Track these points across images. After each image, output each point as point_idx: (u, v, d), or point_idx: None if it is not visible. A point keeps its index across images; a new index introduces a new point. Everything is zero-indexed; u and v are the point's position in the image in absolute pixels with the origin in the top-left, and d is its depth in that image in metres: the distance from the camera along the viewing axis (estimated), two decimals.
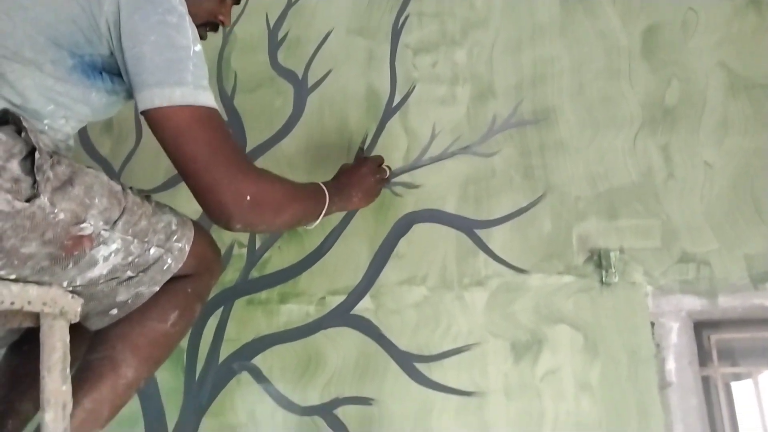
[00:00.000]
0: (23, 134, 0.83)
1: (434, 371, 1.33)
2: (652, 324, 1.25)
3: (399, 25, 1.59)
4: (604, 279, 1.28)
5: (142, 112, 0.89)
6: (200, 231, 1.06)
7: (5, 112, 0.85)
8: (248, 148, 1.62)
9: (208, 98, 0.91)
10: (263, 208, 0.95)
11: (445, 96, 1.51)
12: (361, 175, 1.31)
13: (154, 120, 0.89)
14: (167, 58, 0.88)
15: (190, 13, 0.94)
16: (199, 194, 0.91)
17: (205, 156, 0.89)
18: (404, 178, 1.48)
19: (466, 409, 1.29)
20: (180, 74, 0.88)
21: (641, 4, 1.42)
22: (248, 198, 0.91)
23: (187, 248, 1.01)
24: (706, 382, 1.23)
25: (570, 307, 1.29)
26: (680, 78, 1.36)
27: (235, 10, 1.71)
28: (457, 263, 1.38)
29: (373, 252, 1.45)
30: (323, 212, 1.15)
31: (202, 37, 1.08)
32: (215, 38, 1.72)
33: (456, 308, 1.35)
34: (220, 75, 1.70)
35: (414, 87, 1.54)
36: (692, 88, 1.35)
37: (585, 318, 1.28)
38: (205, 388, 1.45)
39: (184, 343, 1.49)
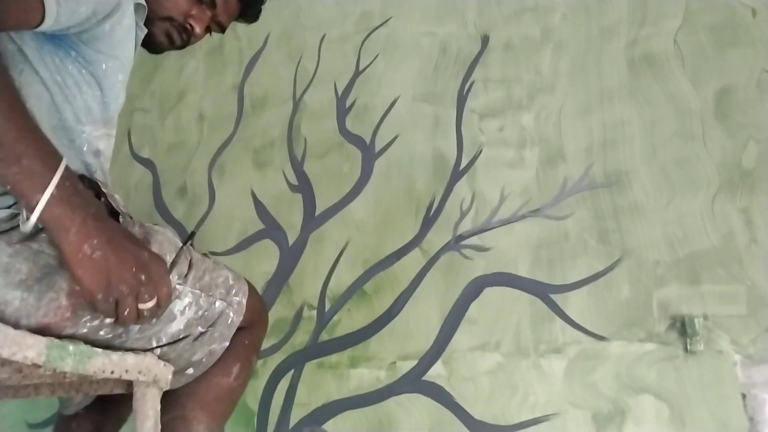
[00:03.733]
0: (102, 199, 0.86)
1: None
2: (743, 395, 1.19)
3: (465, 91, 1.63)
4: (688, 347, 1.23)
5: None
6: (250, 285, 1.08)
7: (81, 177, 0.88)
8: (317, 211, 1.66)
9: None
10: None
11: (513, 159, 1.52)
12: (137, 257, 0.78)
13: None
14: None
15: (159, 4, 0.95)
16: None
17: None
18: (474, 240, 1.48)
19: None
20: None
21: (712, 67, 1.41)
22: None
23: (245, 301, 1.02)
24: None
25: (653, 377, 1.25)
26: (757, 140, 1.34)
27: (304, 78, 1.80)
28: (532, 329, 1.36)
29: (443, 316, 1.44)
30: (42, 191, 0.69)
31: (157, 38, 1.01)
32: (286, 106, 1.80)
33: (533, 376, 1.32)
34: (291, 141, 1.76)
35: (481, 150, 1.56)
36: None
37: (670, 388, 1.23)
38: None
39: (255, 406, 1.50)
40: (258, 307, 1.09)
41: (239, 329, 1.03)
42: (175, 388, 1.02)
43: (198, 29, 1.04)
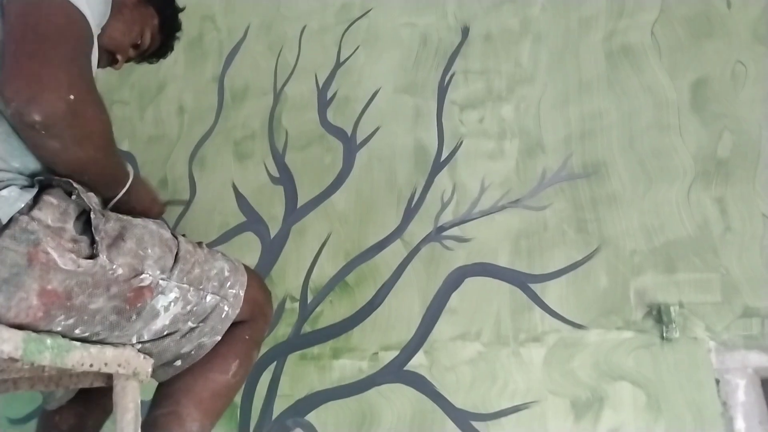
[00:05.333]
0: (73, 196, 0.84)
1: (492, 430, 1.31)
2: (717, 381, 1.22)
3: (445, 83, 1.63)
4: (664, 334, 1.26)
5: None
6: (251, 275, 1.06)
7: (50, 178, 0.87)
8: (299, 203, 1.66)
9: None
10: (81, 121, 0.86)
11: (493, 150, 1.53)
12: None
13: None
14: None
15: (111, 31, 0.99)
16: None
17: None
18: (454, 231, 1.50)
19: None
20: None
21: (688, 59, 1.43)
22: (71, 97, 0.81)
23: (242, 294, 1.01)
24: None
25: (631, 364, 1.27)
26: (732, 130, 1.36)
27: (285, 70, 1.80)
28: (512, 318, 1.37)
29: (425, 306, 1.46)
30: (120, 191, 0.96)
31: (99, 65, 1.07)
32: (267, 98, 1.79)
33: (512, 365, 1.34)
34: (272, 133, 1.75)
35: (461, 142, 1.57)
36: (745, 140, 1.35)
37: (647, 375, 1.25)
38: None
39: (238, 398, 1.50)
40: (260, 298, 1.07)
41: (240, 323, 1.02)
42: (171, 384, 1.01)
43: (120, 64, 1.15)
